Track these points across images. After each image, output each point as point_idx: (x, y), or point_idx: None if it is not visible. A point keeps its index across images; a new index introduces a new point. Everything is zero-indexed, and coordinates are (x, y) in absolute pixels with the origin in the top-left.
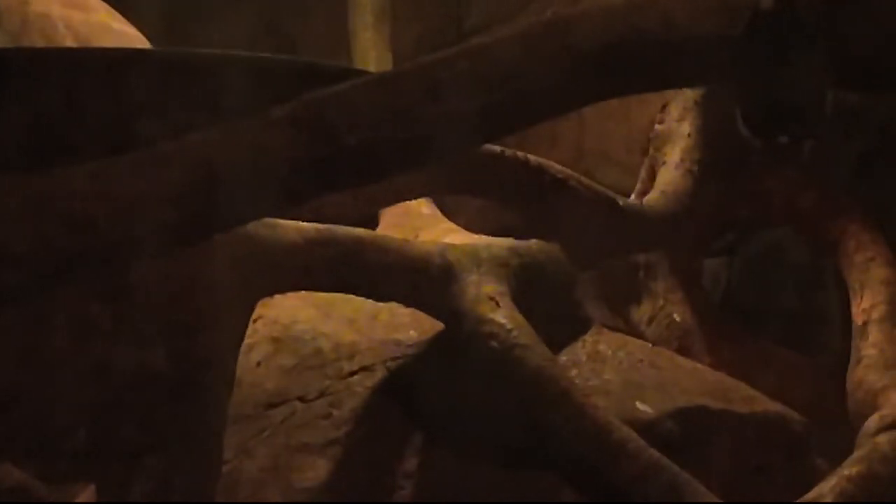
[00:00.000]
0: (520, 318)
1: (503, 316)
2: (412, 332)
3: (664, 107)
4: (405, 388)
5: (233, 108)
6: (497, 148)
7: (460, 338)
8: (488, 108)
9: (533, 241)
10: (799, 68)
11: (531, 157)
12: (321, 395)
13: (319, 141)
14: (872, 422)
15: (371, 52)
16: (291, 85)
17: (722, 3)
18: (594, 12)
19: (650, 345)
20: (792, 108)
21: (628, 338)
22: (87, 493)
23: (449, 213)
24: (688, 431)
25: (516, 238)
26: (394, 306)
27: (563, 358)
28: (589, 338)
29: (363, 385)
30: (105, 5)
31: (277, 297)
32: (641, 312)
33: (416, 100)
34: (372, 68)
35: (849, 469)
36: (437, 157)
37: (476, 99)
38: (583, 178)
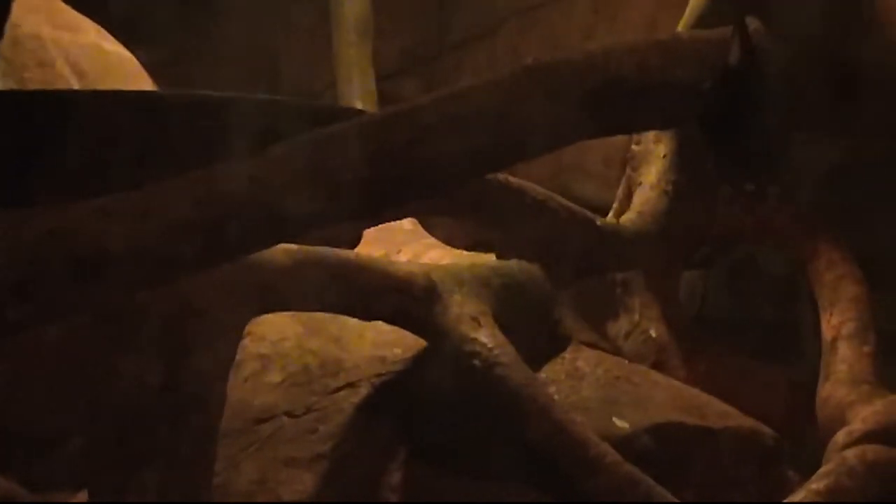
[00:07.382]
0: (501, 336)
1: (485, 335)
2: (397, 350)
3: None
4: (390, 403)
5: (237, 147)
6: None
7: (443, 356)
8: (474, 149)
9: (513, 261)
10: (763, 121)
11: (511, 179)
12: (308, 410)
13: (316, 180)
14: (840, 436)
15: (354, 69)
16: (292, 125)
17: (694, 53)
18: (574, 58)
19: (626, 361)
20: (757, 158)
21: (606, 355)
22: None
23: (429, 228)
24: (663, 446)
25: (495, 252)
26: (379, 325)
27: (543, 375)
28: (568, 355)
29: (349, 401)
30: (95, 26)
31: (265, 314)
32: (618, 328)
33: (405, 142)
34: (355, 85)
35: (817, 483)
36: (427, 195)
37: (463, 141)
38: (562, 199)
